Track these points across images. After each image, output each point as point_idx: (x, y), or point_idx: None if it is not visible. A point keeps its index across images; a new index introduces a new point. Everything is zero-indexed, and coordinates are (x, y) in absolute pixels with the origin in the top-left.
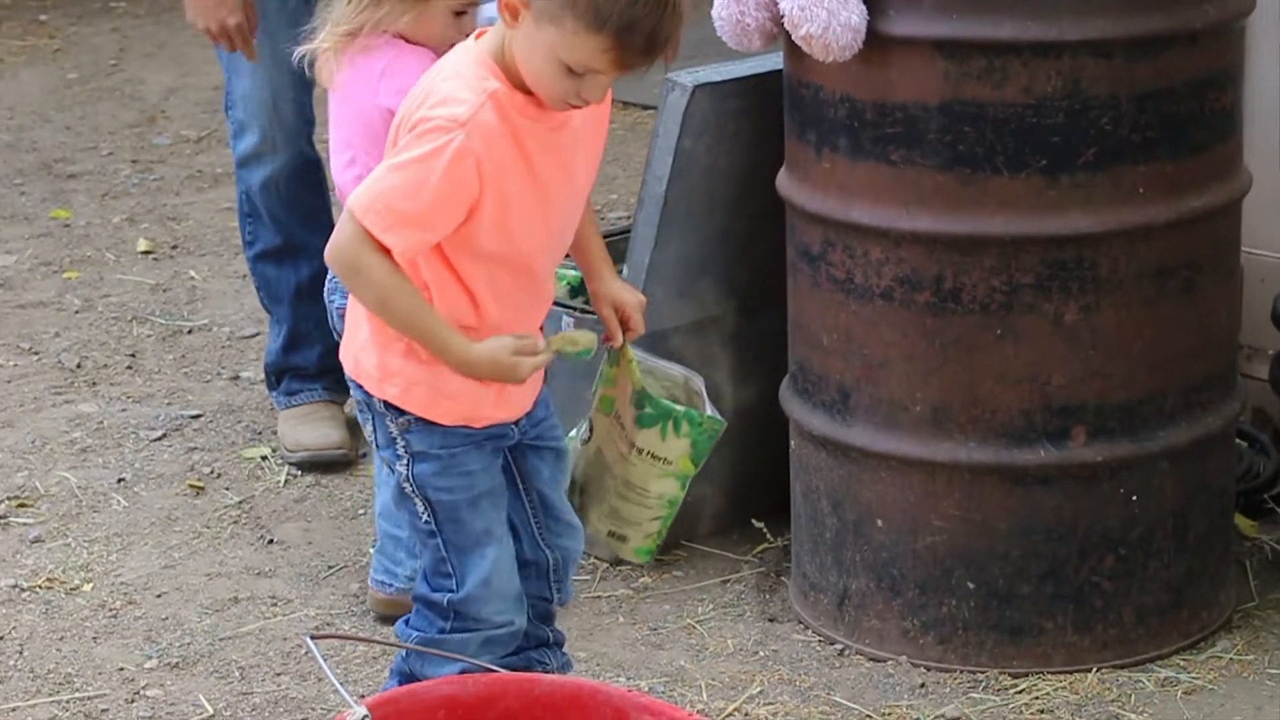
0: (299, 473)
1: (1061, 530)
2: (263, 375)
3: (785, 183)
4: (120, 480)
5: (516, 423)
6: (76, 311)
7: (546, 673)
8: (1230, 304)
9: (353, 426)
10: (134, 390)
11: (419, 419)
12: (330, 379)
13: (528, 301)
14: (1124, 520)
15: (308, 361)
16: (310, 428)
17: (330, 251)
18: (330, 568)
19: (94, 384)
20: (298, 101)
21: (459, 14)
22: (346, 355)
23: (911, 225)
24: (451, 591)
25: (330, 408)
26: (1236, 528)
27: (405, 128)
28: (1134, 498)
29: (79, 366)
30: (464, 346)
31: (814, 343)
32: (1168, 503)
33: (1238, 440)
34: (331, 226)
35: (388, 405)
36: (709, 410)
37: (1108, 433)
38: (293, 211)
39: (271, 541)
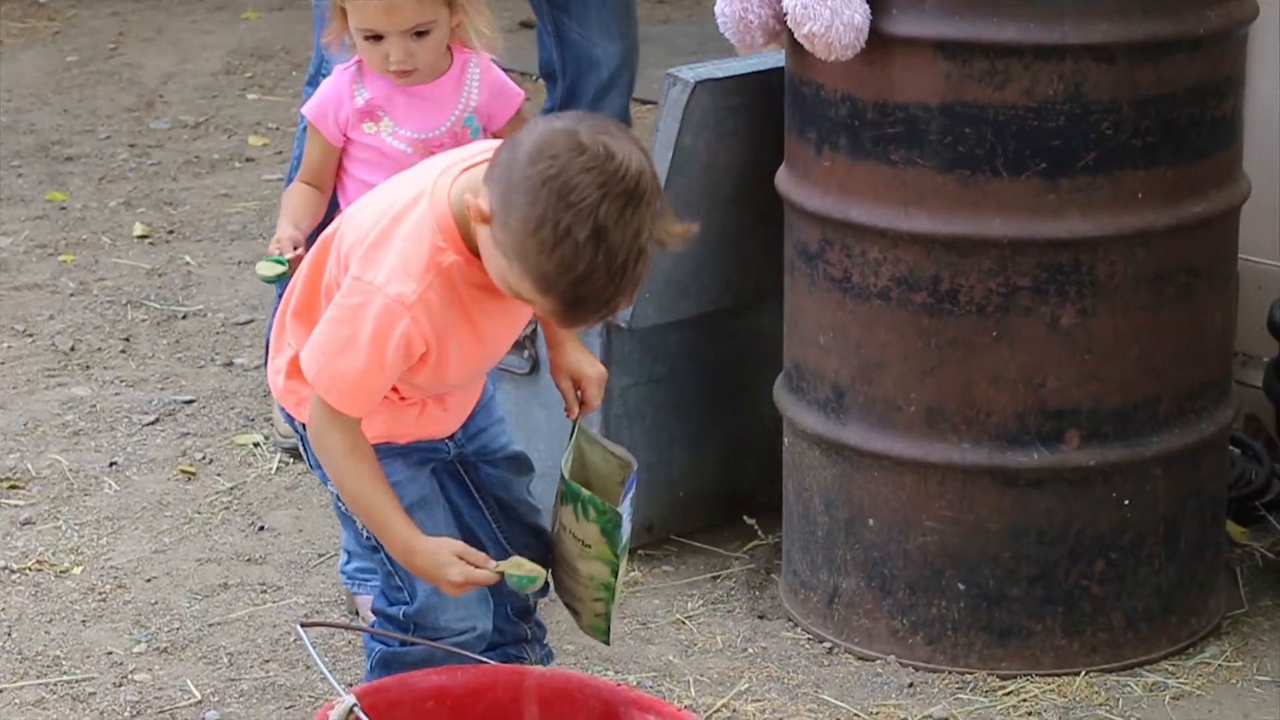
0: (290, 460)
1: (1053, 533)
2: (255, 362)
3: (784, 180)
4: (112, 464)
5: (452, 437)
6: (71, 294)
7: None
8: (1226, 311)
9: None
10: (127, 374)
11: None
12: None
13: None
14: (1115, 524)
15: None
16: None
17: (309, 424)
18: (320, 556)
19: (87, 367)
20: None
21: (371, 38)
22: (270, 378)
23: (910, 226)
24: (406, 604)
25: None
26: (1228, 534)
27: (355, 264)
28: (1126, 502)
29: (73, 349)
30: (409, 536)
31: (810, 341)
32: (1160, 508)
33: (1231, 447)
34: None
35: (307, 426)
36: (624, 501)
37: (1101, 437)
38: None
39: (262, 528)
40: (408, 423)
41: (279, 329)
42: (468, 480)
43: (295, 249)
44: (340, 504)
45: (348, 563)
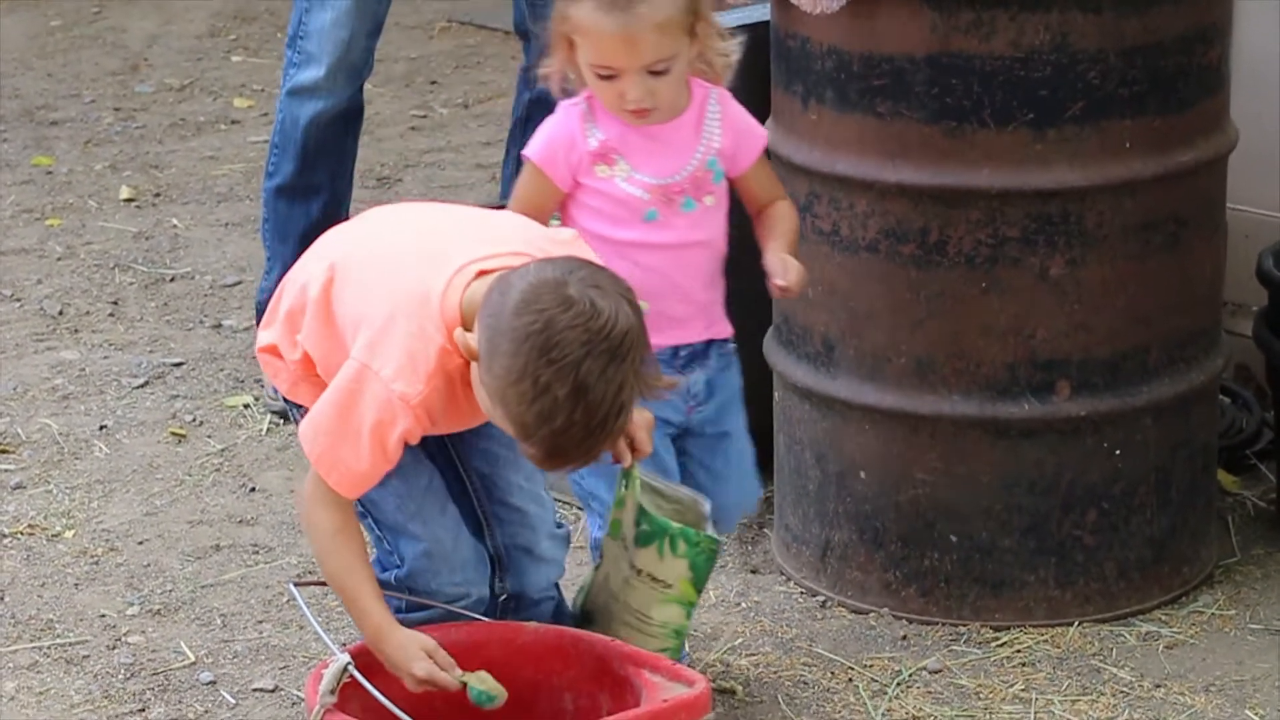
0: (281, 421)
1: (1044, 484)
2: (244, 324)
3: (771, 134)
4: (102, 427)
5: None
6: (59, 259)
7: None
8: (1215, 259)
9: None
10: (116, 338)
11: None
12: None
13: None
14: (1107, 474)
15: None
16: None
17: (301, 494)
18: None
19: (76, 331)
20: (368, 48)
21: (606, 76)
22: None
23: (897, 177)
24: (397, 568)
25: None
26: (1219, 483)
27: (360, 348)
28: (1117, 452)
29: (61, 313)
30: (383, 623)
31: (799, 295)
32: (1151, 457)
33: (1221, 396)
34: (351, 178)
35: (287, 400)
36: (710, 530)
37: (1091, 387)
38: (324, 151)
39: (253, 489)
40: None
41: (276, 301)
42: (453, 452)
43: None
44: None
45: None
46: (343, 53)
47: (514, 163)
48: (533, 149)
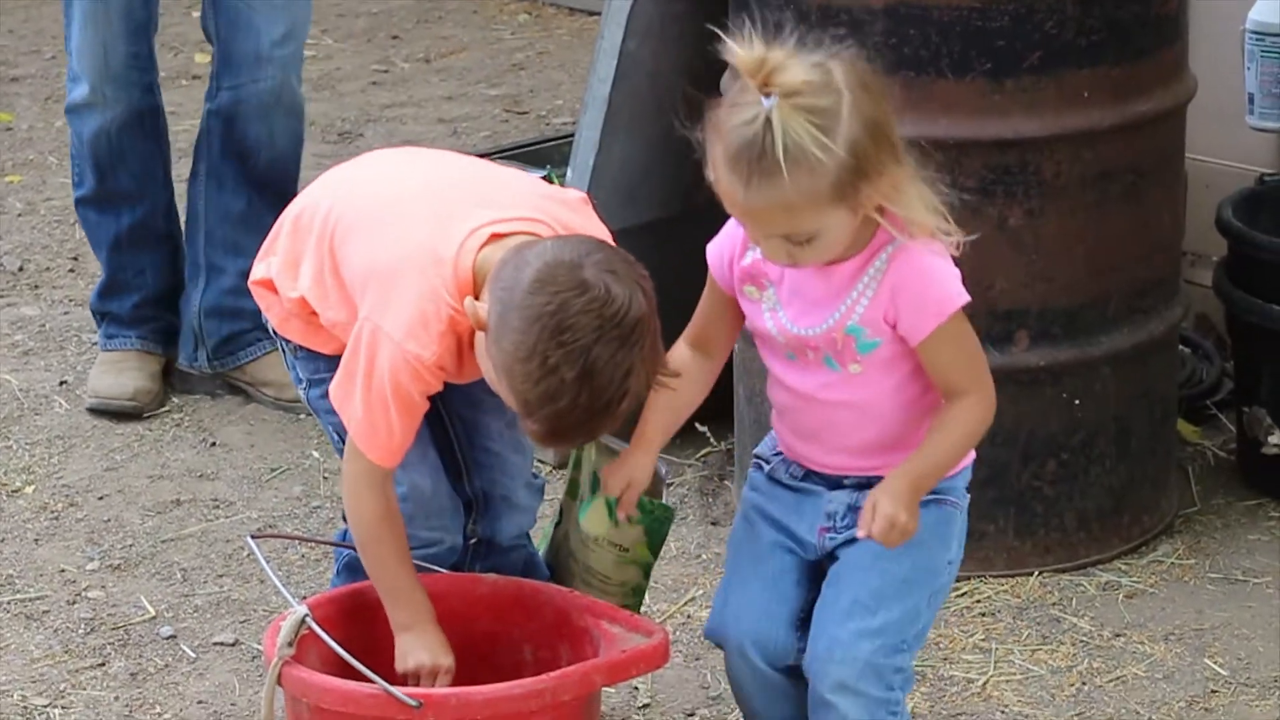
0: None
1: (1004, 435)
2: None
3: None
4: (62, 383)
5: None
6: (19, 215)
7: None
8: (1174, 209)
9: (159, 377)
10: (76, 293)
11: (301, 346)
12: (146, 328)
13: None
14: (1066, 425)
15: (122, 310)
16: (111, 377)
17: (343, 480)
18: (273, 470)
19: (36, 287)
20: (130, 53)
21: (796, 242)
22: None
23: None
24: None
25: (142, 357)
26: (1179, 433)
27: (369, 304)
28: (1076, 402)
29: (21, 269)
30: (409, 618)
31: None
32: (1110, 408)
33: (1181, 346)
34: (165, 176)
35: (276, 332)
36: (665, 497)
37: (1050, 337)
38: (122, 161)
39: (214, 444)
40: None
41: (274, 237)
42: (434, 396)
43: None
44: (314, 414)
45: None
46: (102, 66)
47: (200, 181)
48: (710, 248)
